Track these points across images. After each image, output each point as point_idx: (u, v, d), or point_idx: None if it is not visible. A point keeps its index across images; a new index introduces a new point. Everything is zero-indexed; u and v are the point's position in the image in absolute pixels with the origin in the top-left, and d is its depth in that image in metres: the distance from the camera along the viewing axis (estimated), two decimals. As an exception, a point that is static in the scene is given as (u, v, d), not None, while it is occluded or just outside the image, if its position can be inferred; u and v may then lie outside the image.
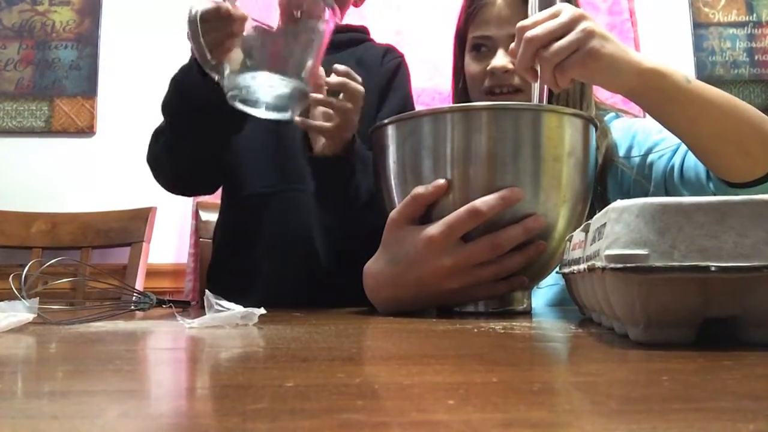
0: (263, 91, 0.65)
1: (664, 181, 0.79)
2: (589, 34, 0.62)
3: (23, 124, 1.78)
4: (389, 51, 1.03)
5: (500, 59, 0.84)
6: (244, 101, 0.66)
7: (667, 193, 0.78)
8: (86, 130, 1.78)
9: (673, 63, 0.68)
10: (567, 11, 0.64)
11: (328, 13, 0.68)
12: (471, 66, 0.89)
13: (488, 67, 0.86)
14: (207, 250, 1.44)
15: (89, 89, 1.79)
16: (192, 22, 0.63)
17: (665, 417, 0.18)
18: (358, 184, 0.79)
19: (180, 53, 1.98)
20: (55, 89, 1.80)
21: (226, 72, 0.66)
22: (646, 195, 0.80)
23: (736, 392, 0.22)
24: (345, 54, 0.96)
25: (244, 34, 0.66)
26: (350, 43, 1.00)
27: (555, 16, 0.63)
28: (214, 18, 0.64)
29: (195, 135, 0.80)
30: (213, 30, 0.64)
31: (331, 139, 0.76)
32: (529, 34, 0.63)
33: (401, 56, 1.03)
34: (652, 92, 0.66)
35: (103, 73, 1.80)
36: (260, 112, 0.66)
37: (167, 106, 0.81)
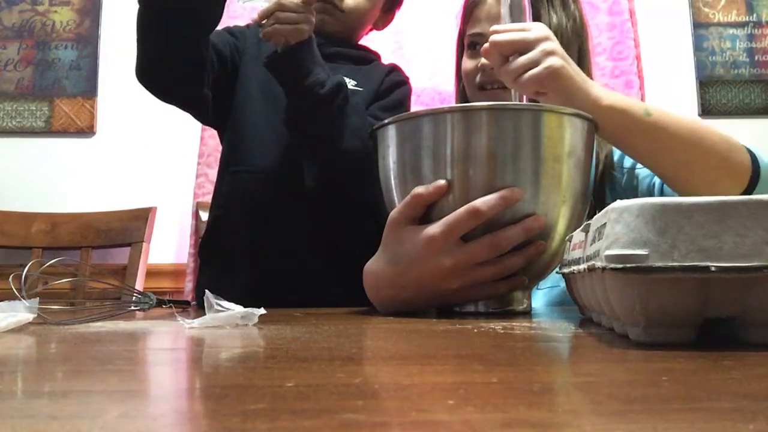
0: None
1: (649, 195, 0.81)
2: (549, 54, 0.66)
3: (23, 124, 1.78)
4: (395, 69, 1.05)
5: None
6: None
7: None
8: (86, 130, 1.79)
9: (627, 96, 0.72)
10: (536, 29, 0.68)
11: None
12: (466, 63, 0.92)
13: (478, 64, 0.88)
14: (207, 250, 1.45)
15: (89, 89, 1.79)
16: None
17: (665, 417, 0.18)
18: (316, 74, 0.83)
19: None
20: (55, 89, 1.80)
21: None
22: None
23: (736, 392, 0.22)
24: (350, 67, 0.98)
25: None
26: (360, 60, 1.02)
27: (525, 30, 0.68)
28: None
29: (176, 21, 0.82)
30: None
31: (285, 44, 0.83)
32: (494, 37, 0.68)
33: (407, 79, 1.05)
34: (609, 125, 0.68)
35: (103, 73, 1.80)
36: None
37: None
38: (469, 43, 0.91)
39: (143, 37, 0.84)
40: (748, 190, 0.70)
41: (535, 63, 0.66)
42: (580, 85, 0.67)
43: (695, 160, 0.68)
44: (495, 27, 0.69)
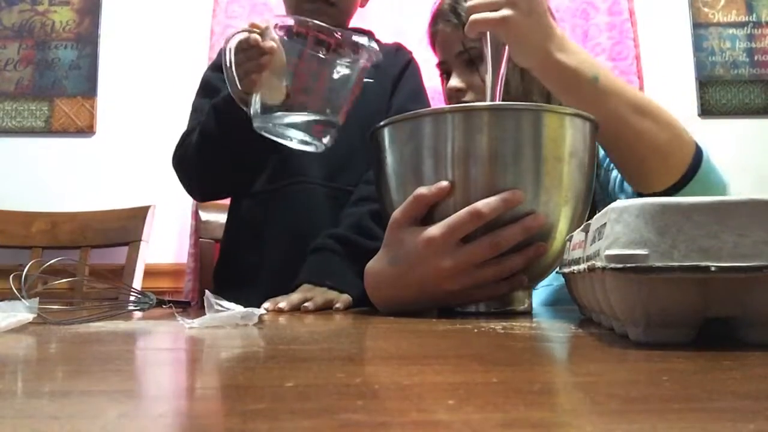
0: (293, 132, 0.71)
1: (614, 190, 0.83)
2: (511, 4, 0.64)
3: (23, 124, 1.78)
4: (400, 48, 1.09)
5: (453, 81, 0.94)
6: (272, 133, 0.71)
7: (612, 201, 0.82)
8: (86, 130, 1.78)
9: (596, 61, 0.70)
10: None
11: (366, 55, 0.72)
12: (443, 87, 0.99)
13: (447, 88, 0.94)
14: (207, 250, 1.44)
15: (89, 89, 1.79)
16: (226, 50, 0.67)
17: (665, 417, 0.18)
18: None
19: (179, 53, 1.98)
20: (55, 89, 1.80)
21: (256, 104, 0.70)
22: (603, 199, 0.84)
23: (736, 392, 0.22)
24: None
25: (282, 67, 0.69)
26: None
27: None
28: (245, 49, 0.69)
29: (228, 156, 0.87)
30: (245, 60, 0.69)
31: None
32: (468, 4, 0.67)
33: (410, 53, 1.10)
34: (555, 82, 0.68)
35: (103, 73, 1.80)
36: (291, 143, 0.73)
37: (204, 131, 0.85)
38: (442, 70, 0.98)
39: (201, 162, 0.89)
40: (683, 180, 0.69)
41: (495, 5, 0.64)
42: (535, 39, 0.65)
43: (645, 130, 0.67)
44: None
